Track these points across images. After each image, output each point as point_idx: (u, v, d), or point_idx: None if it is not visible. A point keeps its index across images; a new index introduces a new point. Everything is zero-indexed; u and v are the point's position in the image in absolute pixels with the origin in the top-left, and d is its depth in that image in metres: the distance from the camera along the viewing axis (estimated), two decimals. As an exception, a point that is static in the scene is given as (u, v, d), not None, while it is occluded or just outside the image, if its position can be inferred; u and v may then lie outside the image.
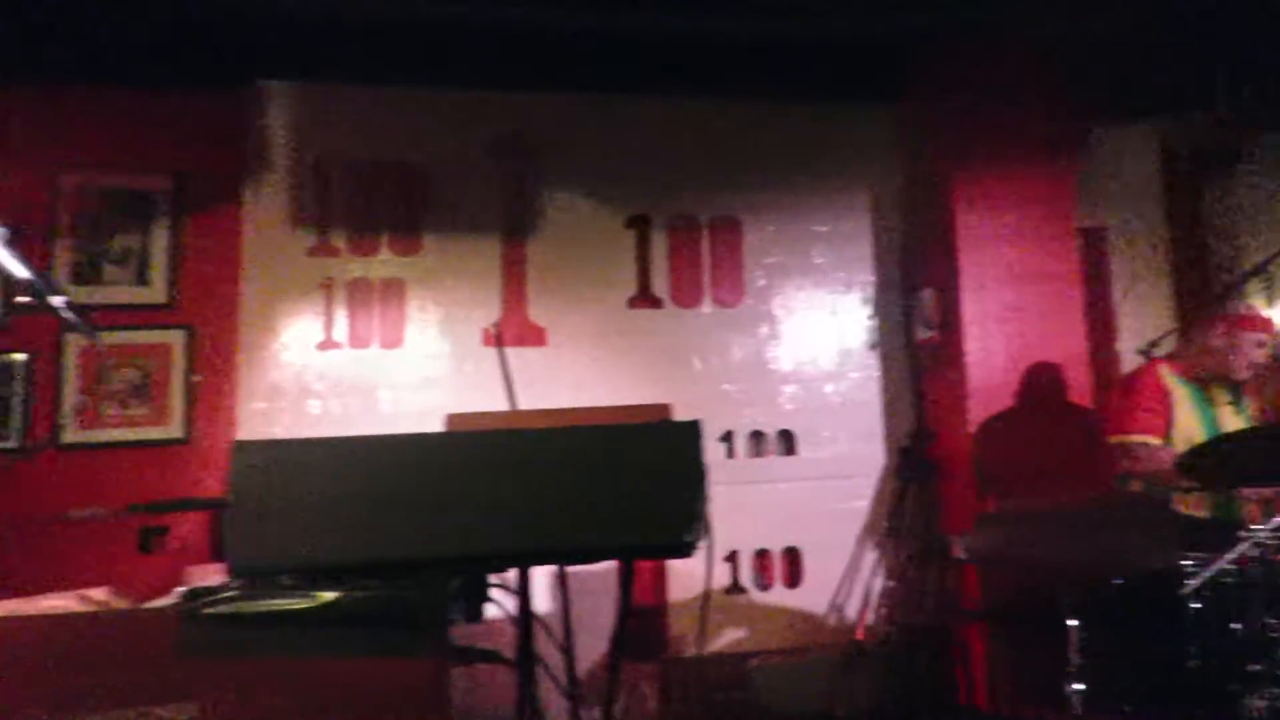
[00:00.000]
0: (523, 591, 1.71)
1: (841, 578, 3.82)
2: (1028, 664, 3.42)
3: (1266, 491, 2.83)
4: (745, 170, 3.98)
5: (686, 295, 3.90)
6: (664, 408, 1.63)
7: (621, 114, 3.88)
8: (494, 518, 1.27)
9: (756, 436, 3.89)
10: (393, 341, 3.63)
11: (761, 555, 3.81)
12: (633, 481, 1.33)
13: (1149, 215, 4.20)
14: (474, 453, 1.32)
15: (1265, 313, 3.13)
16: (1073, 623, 2.31)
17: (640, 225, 3.89)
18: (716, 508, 3.99)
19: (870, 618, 3.74)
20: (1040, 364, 3.65)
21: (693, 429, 1.42)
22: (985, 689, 3.50)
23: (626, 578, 1.75)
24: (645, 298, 3.86)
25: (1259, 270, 3.43)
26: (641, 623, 3.65)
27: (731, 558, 3.76)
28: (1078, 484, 3.46)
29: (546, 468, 1.31)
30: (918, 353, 3.91)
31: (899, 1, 3.53)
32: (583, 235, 3.81)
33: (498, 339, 2.96)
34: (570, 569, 2.50)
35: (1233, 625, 2.25)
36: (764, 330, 3.96)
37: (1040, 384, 3.64)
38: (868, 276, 4.02)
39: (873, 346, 4.01)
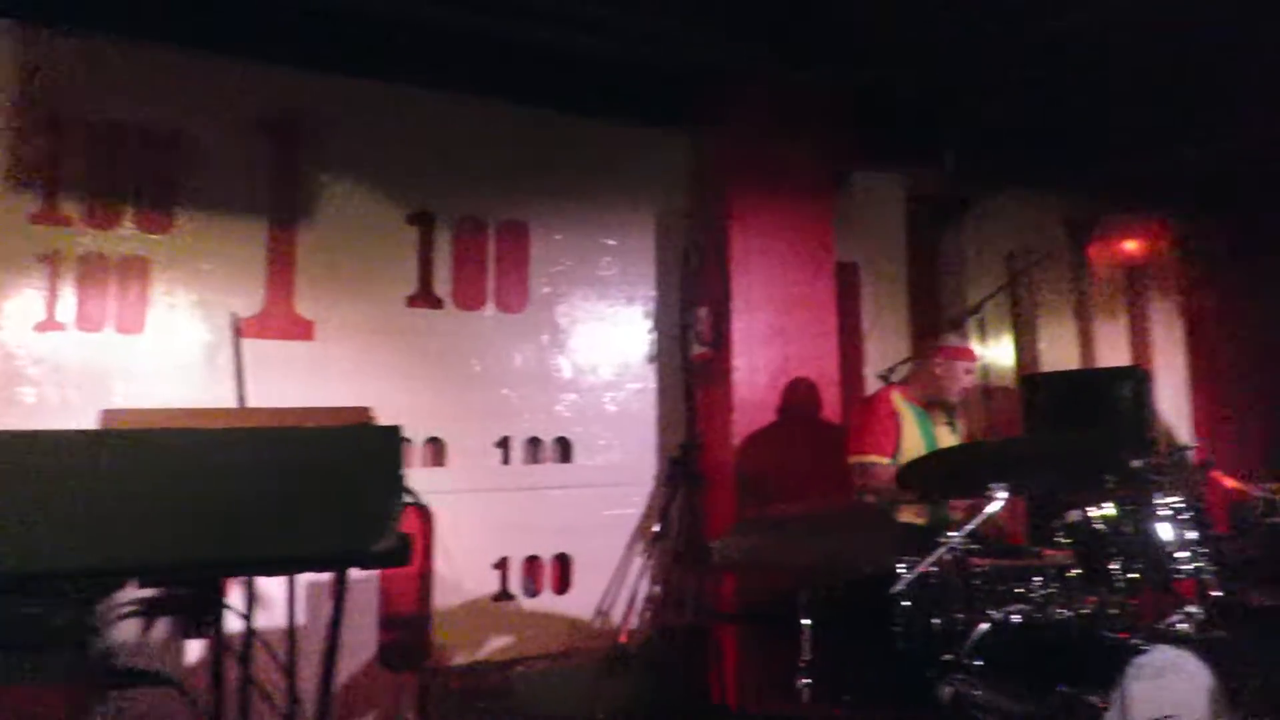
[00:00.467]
0: (216, 606, 1.58)
1: (609, 583, 3.91)
2: (772, 662, 3.68)
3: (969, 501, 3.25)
4: (536, 177, 3.99)
5: (469, 297, 3.84)
6: (364, 410, 1.56)
7: (410, 106, 3.75)
8: (157, 527, 1.13)
9: (533, 443, 3.90)
10: (131, 326, 3.26)
11: (532, 562, 3.82)
12: (323, 487, 1.25)
13: (894, 255, 4.66)
14: (138, 454, 1.17)
15: (976, 347, 3.61)
16: (806, 621, 2.44)
17: (424, 222, 3.77)
18: (490, 515, 3.93)
19: (634, 622, 3.86)
20: (798, 382, 3.93)
21: (392, 435, 1.36)
22: (735, 687, 3.68)
23: (339, 588, 1.66)
24: (425, 297, 3.75)
25: (975, 310, 3.94)
26: (404, 632, 3.54)
27: (501, 565, 3.74)
28: (826, 494, 3.77)
29: (225, 472, 1.19)
30: (691, 367, 4.08)
31: (690, 34, 3.74)
32: (360, 227, 3.64)
33: (236, 329, 2.73)
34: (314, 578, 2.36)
35: (933, 620, 2.43)
36: (546, 338, 3.98)
37: (798, 401, 3.92)
38: (650, 291, 4.16)
39: (651, 359, 4.15)
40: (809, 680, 2.40)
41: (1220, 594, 2.71)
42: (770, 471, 3.75)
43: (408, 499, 1.35)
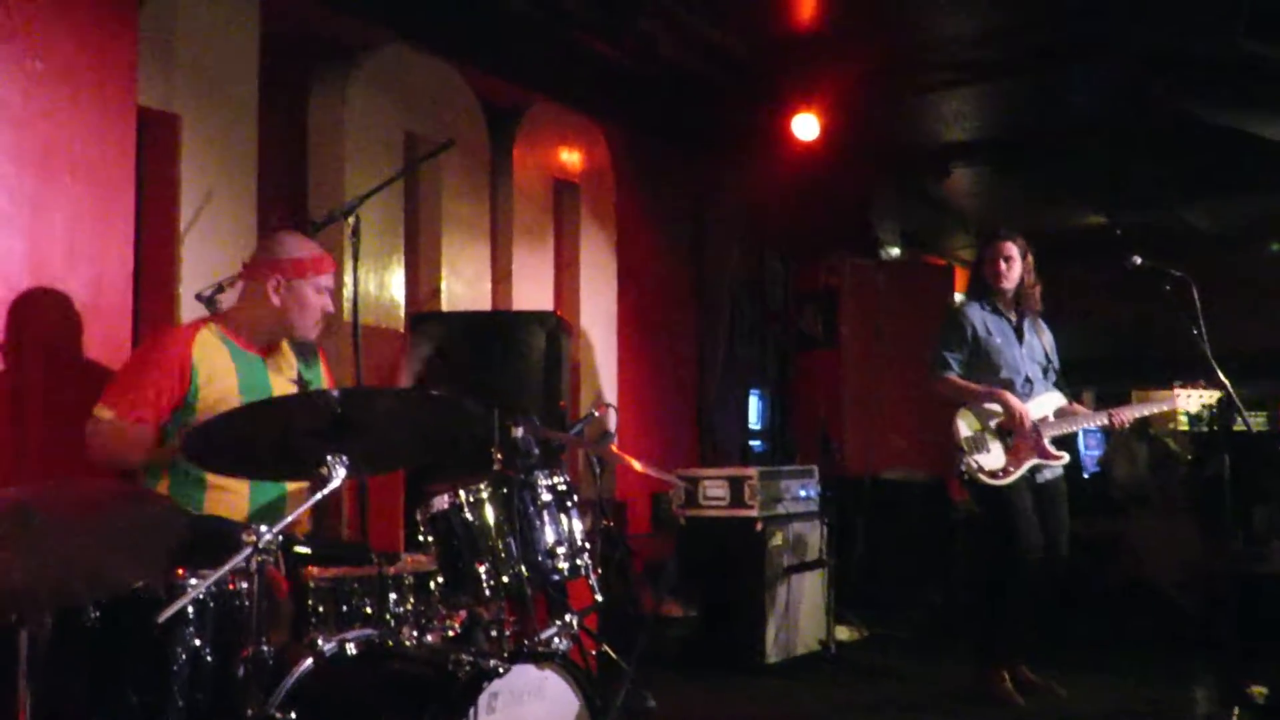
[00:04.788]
0: None
1: None
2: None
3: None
4: None
5: None
6: None
7: None
8: None
9: None
10: None
11: None
12: None
13: (239, 110, 4.20)
14: None
15: (350, 266, 3.52)
16: (24, 670, 2.33)
17: None
18: None
19: None
20: (48, 298, 3.53)
21: None
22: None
23: None
24: None
25: (351, 210, 3.56)
26: None
27: None
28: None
29: None
30: None
31: None
32: None
33: None
34: None
35: (235, 659, 2.46)
36: None
37: (48, 330, 3.55)
38: None
39: None
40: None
41: (603, 599, 3.00)
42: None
43: None
